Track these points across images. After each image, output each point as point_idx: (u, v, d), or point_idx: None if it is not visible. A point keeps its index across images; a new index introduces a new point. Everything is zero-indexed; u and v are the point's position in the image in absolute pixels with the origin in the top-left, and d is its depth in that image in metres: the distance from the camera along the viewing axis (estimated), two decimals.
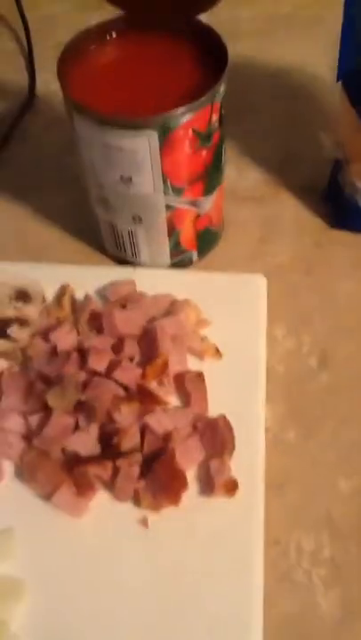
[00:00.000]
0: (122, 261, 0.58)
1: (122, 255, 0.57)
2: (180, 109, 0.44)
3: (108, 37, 0.50)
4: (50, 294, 0.54)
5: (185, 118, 0.44)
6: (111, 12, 0.49)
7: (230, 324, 0.53)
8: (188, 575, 0.43)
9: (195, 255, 0.57)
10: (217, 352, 0.51)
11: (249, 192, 0.64)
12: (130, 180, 0.48)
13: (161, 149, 0.46)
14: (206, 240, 0.57)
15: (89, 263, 0.59)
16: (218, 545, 0.43)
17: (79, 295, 0.54)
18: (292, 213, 0.62)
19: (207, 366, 0.50)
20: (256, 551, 0.43)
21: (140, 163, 0.46)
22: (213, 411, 0.48)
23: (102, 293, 0.54)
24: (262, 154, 0.66)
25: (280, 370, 0.53)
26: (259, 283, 0.55)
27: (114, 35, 0.49)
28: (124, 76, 0.47)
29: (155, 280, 0.54)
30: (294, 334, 0.55)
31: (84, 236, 0.61)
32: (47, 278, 0.54)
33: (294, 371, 0.53)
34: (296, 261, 0.59)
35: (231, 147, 0.65)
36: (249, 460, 0.46)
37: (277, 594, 0.44)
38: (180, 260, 0.56)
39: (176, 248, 0.55)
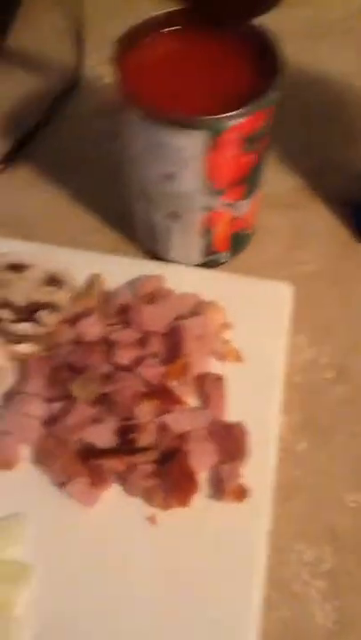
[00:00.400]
0: (152, 255, 0.58)
1: (153, 249, 0.58)
2: (234, 113, 0.44)
3: (164, 31, 0.50)
4: (79, 281, 0.55)
5: (237, 122, 0.45)
6: (165, 3, 0.49)
7: (253, 329, 0.53)
8: (191, 574, 0.43)
9: (225, 257, 0.57)
10: (238, 356, 0.52)
11: (283, 198, 0.64)
12: (172, 177, 0.48)
13: (208, 150, 0.46)
14: (238, 243, 0.57)
15: (119, 253, 0.59)
16: (222, 548, 0.44)
17: (108, 285, 0.54)
18: (323, 223, 0.63)
19: (226, 369, 0.51)
20: (258, 558, 0.44)
21: (186, 161, 0.47)
22: (229, 414, 0.49)
23: (131, 285, 0.55)
24: (299, 161, 0.67)
25: (297, 380, 0.53)
26: (284, 291, 0.55)
27: (171, 29, 0.49)
28: (178, 72, 0.47)
29: (183, 278, 0.55)
30: (315, 345, 0.55)
31: (117, 224, 0.61)
32: (78, 265, 0.55)
33: (311, 381, 0.53)
34: (324, 272, 0.60)
35: (269, 151, 0.65)
36: (260, 467, 0.47)
37: (276, 601, 0.45)
38: (209, 260, 0.57)
39: (208, 248, 0.55)
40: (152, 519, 0.45)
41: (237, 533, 0.45)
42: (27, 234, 0.60)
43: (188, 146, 0.45)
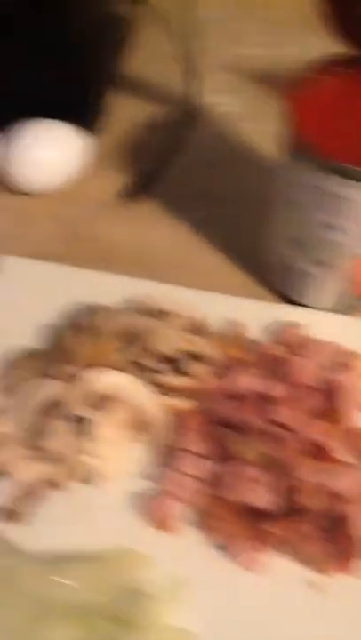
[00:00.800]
0: (284, 297, 0.57)
1: (288, 293, 0.56)
2: None
3: (334, 75, 0.48)
4: (214, 326, 0.53)
5: None
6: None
7: None
8: None
9: (359, 303, 0.56)
10: None
11: None
12: (333, 226, 0.47)
13: None
14: None
15: (248, 294, 0.58)
16: None
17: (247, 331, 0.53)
18: None
19: None
20: None
21: (353, 212, 0.45)
22: None
23: (268, 331, 0.53)
24: None
25: None
26: None
27: (340, 73, 0.48)
28: (350, 120, 0.46)
29: (323, 324, 0.54)
30: None
31: (244, 262, 0.60)
32: (211, 308, 0.54)
33: None
34: None
35: None
36: None
37: None
38: (345, 307, 0.55)
39: (346, 294, 0.54)
40: (315, 584, 0.44)
41: None
42: (151, 272, 0.58)
43: None
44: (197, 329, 0.51)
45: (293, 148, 0.45)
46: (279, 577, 0.44)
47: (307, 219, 0.48)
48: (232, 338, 0.52)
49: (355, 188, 0.44)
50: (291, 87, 0.46)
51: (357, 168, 0.43)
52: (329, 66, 0.47)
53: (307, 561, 0.44)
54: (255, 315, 0.54)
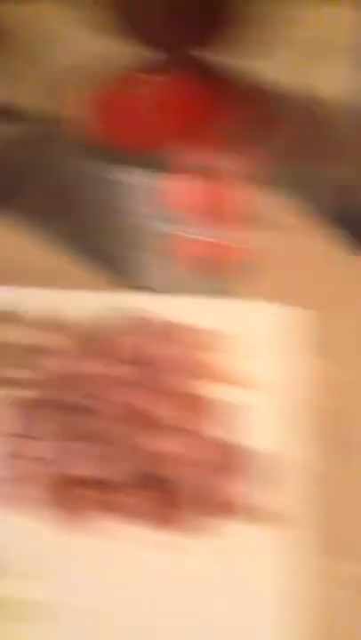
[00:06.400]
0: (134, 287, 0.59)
1: (129, 280, 0.58)
2: None
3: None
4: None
5: None
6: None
7: (273, 356, 0.53)
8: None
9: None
10: (249, 382, 0.51)
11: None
12: (129, 211, 0.51)
13: None
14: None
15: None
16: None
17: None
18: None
19: (248, 398, 0.51)
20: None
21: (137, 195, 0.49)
22: (256, 444, 0.49)
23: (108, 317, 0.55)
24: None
25: (322, 405, 0.51)
26: (301, 316, 0.55)
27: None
28: (136, 116, 0.50)
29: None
30: (337, 369, 0.53)
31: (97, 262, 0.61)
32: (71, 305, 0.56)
33: (336, 406, 0.51)
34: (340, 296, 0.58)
35: None
36: (291, 493, 0.46)
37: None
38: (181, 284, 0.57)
39: (178, 271, 0.56)
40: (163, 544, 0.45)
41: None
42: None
43: None
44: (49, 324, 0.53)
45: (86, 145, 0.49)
46: (129, 541, 0.45)
47: (108, 208, 0.52)
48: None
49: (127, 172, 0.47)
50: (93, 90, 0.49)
51: (123, 153, 0.46)
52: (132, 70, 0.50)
53: (146, 522, 0.46)
54: (90, 303, 0.56)
